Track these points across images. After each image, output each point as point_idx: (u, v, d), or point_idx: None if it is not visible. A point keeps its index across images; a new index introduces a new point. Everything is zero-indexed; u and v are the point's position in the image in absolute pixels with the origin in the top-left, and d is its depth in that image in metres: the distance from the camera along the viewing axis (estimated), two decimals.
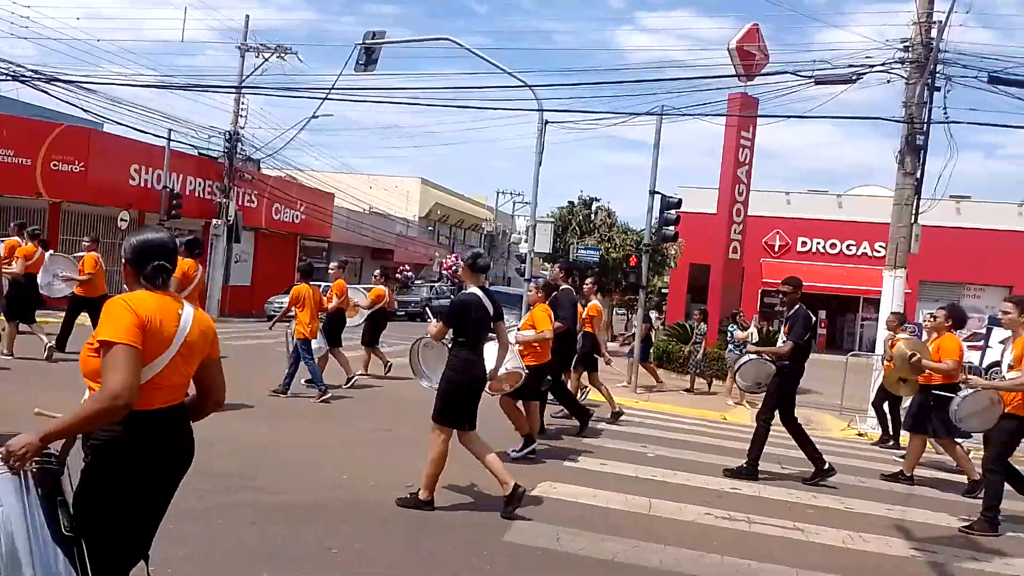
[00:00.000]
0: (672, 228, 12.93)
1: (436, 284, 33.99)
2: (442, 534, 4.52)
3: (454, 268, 40.00)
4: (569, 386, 8.63)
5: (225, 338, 15.19)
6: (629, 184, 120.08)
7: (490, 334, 5.42)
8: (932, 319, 7.45)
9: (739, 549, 4.70)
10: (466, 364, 5.00)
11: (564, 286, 7.97)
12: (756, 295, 27.62)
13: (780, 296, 7.15)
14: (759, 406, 7.24)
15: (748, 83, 15.81)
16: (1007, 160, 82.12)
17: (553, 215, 20.58)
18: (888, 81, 11.95)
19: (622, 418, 9.40)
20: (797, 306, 6.74)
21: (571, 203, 21.66)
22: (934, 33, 11.06)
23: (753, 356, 7.18)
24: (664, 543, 4.67)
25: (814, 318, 6.90)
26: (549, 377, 7.43)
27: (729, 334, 12.54)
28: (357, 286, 12.61)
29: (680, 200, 13.00)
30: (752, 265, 24.84)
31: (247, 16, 23.25)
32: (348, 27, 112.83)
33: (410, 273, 34.25)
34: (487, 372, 5.19)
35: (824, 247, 29.39)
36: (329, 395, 8.72)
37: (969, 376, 6.10)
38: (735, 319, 12.90)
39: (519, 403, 6.72)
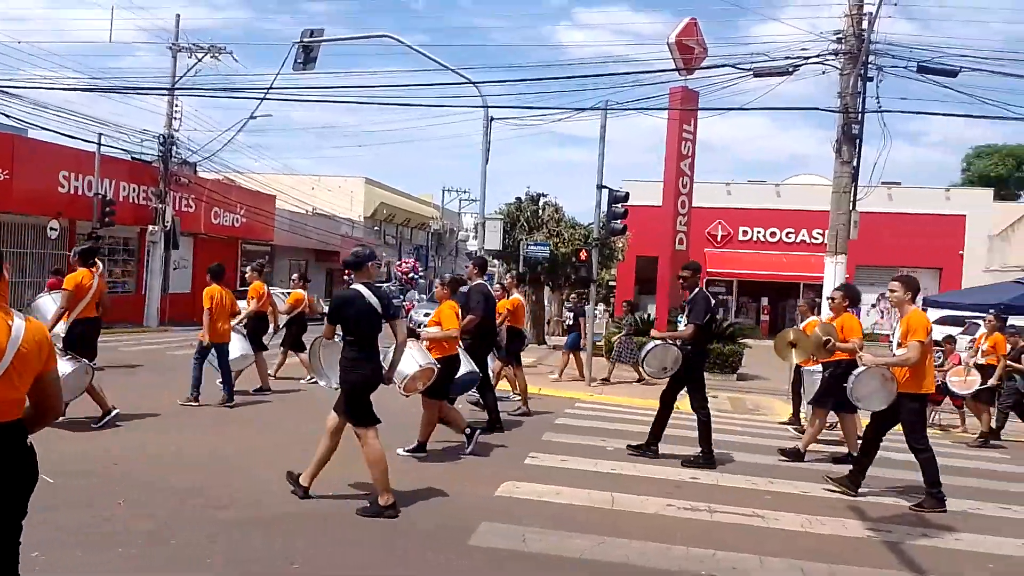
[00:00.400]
0: (620, 222, 13.03)
1: (384, 285, 33.54)
2: (406, 541, 4.42)
3: (411, 274, 39.64)
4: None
5: (165, 347, 14.83)
6: (575, 179, 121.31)
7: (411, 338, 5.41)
8: (831, 301, 7.67)
9: (703, 539, 4.74)
10: (352, 363, 4.92)
11: (478, 280, 8.06)
12: (703, 285, 28.19)
13: (680, 280, 7.25)
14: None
15: (688, 77, 16.03)
16: (931, 147, 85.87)
17: (501, 212, 20.52)
18: (823, 72, 12.28)
19: (576, 411, 9.45)
20: (696, 289, 6.93)
21: (519, 199, 21.65)
22: (865, 25, 11.41)
23: (658, 342, 7.15)
24: (629, 537, 4.67)
25: (713, 300, 7.09)
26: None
27: (677, 324, 12.68)
28: (276, 290, 12.40)
29: (627, 194, 13.11)
30: (696, 255, 25.25)
31: (177, 15, 22.61)
32: (284, 26, 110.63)
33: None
34: (382, 370, 5.09)
35: (764, 235, 30.17)
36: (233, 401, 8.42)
37: (862, 354, 6.31)
38: (682, 309, 13.06)
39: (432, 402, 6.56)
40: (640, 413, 10.41)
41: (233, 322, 8.87)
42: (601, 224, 13.24)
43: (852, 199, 11.94)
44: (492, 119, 14.19)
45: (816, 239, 27.66)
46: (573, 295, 15.41)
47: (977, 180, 39.24)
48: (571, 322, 13.72)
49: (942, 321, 15.96)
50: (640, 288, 29.11)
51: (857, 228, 12.12)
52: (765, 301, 30.57)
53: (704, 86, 15.17)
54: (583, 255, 14.18)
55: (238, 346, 8.85)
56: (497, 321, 8.67)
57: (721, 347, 14.96)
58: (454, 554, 4.26)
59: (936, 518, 5.53)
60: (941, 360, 10.02)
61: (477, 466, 6.34)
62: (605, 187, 13.05)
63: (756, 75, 12.55)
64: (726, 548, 4.57)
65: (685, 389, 7.16)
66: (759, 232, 30.14)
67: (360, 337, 4.96)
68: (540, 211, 21.25)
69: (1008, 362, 9.45)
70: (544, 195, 21.80)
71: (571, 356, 13.32)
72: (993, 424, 9.62)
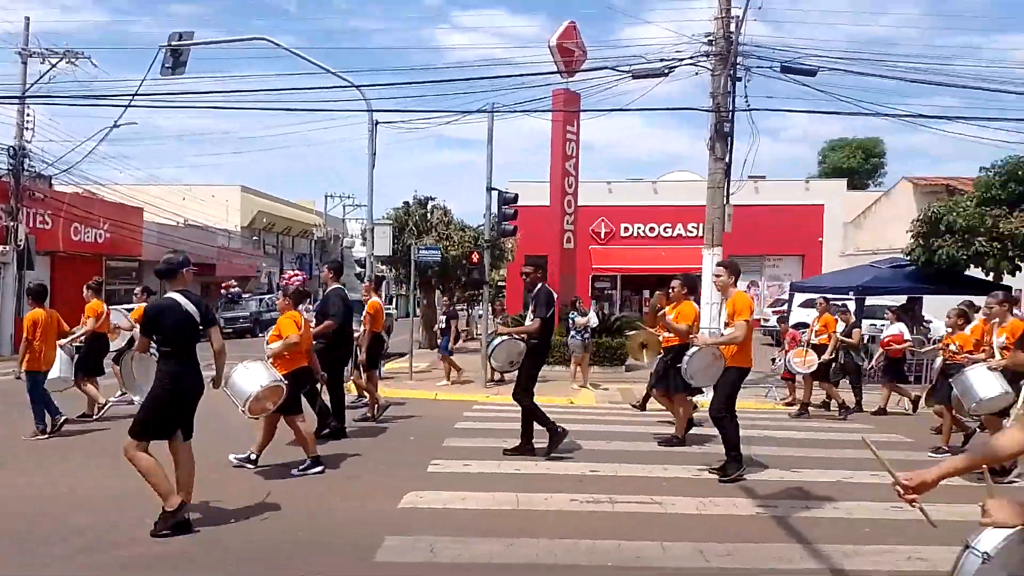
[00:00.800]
0: (510, 223, 13.14)
1: (265, 297, 32.18)
2: (307, 563, 4.24)
3: (296, 283, 38.18)
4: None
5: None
6: (462, 181, 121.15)
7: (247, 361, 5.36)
8: (672, 290, 8.03)
9: (607, 531, 4.85)
10: (171, 377, 4.74)
11: (335, 286, 8.06)
12: (588, 281, 28.93)
13: (523, 276, 7.38)
14: (599, 387, 7.57)
15: (570, 79, 16.41)
16: (791, 142, 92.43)
17: (389, 216, 20.21)
18: (696, 73, 12.90)
19: (475, 414, 9.45)
20: (539, 285, 7.07)
21: (407, 203, 21.40)
22: (733, 28, 12.08)
23: (504, 337, 7.43)
24: (537, 536, 4.70)
25: (555, 295, 7.31)
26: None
27: (571, 320, 12.98)
28: (118, 307, 11.65)
29: (516, 195, 13.25)
30: (582, 252, 25.92)
31: (27, 19, 20.90)
32: (148, 28, 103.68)
33: (236, 288, 32.16)
34: (201, 381, 4.89)
35: (644, 231, 31.37)
36: (45, 435, 7.73)
37: (694, 335, 6.82)
38: (575, 306, 13.36)
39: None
40: None
41: (63, 341, 8.26)
42: (492, 226, 13.30)
43: (726, 194, 12.62)
44: (377, 123, 13.93)
45: (692, 232, 29.06)
46: (446, 299, 15.39)
47: (832, 172, 42.47)
48: (443, 325, 13.61)
49: (807, 304, 17.13)
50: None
51: (731, 221, 12.82)
52: (647, 294, 31.80)
53: (585, 88, 15.58)
54: (475, 257, 14.19)
55: (57, 367, 8.09)
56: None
57: (609, 340, 15.40)
58: (361, 573, 4.13)
59: (816, 489, 5.93)
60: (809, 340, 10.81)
61: (379, 479, 6.20)
62: (495, 189, 13.13)
63: (635, 77, 13.00)
64: (630, 538, 4.70)
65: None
66: (639, 228, 31.29)
67: (177, 347, 4.75)
68: (429, 215, 21.09)
69: (841, 338, 10.40)
70: (432, 198, 21.67)
71: (442, 360, 13.27)
72: (835, 400, 10.52)
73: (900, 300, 14.66)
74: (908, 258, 14.22)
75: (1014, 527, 1.88)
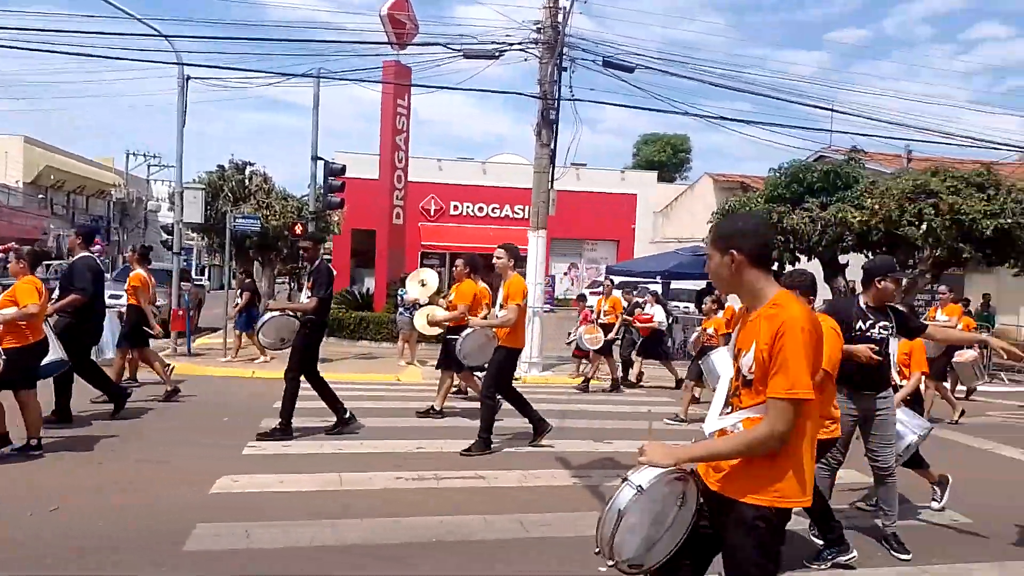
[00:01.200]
0: (337, 195, 12.70)
1: (55, 263, 28.61)
2: (107, 559, 3.87)
3: (99, 254, 34.16)
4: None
5: None
6: (285, 146, 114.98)
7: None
8: (455, 268, 8.17)
9: (432, 507, 4.90)
10: None
11: (83, 254, 7.32)
12: (417, 258, 28.81)
13: (301, 252, 7.21)
14: (426, 364, 7.59)
15: (401, 52, 16.10)
16: (608, 133, 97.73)
17: (202, 180, 18.68)
18: (525, 59, 13.18)
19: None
20: (319, 261, 6.92)
21: (222, 167, 19.83)
22: (561, 18, 12.46)
23: (275, 313, 7.03)
24: (360, 516, 4.65)
25: (334, 272, 7.14)
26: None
27: (399, 297, 12.85)
28: None
29: (344, 167, 12.82)
30: (412, 229, 25.74)
31: None
32: None
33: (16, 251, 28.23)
34: None
35: (473, 210, 31.74)
36: None
37: (470, 317, 7.12)
38: (404, 283, 13.24)
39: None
40: (363, 388, 10.39)
41: None
42: (317, 197, 12.77)
43: (550, 179, 13.07)
44: (188, 78, 12.77)
45: (519, 214, 29.86)
46: (241, 272, 14.45)
47: (645, 164, 45.55)
48: (239, 299, 12.56)
49: (620, 287, 18.31)
50: (357, 262, 28.84)
51: (555, 205, 13.32)
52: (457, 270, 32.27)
53: (417, 63, 15.36)
54: (298, 229, 13.53)
55: None
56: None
57: None
58: (168, 566, 3.84)
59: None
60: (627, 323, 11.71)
61: (188, 463, 5.77)
62: (321, 159, 12.61)
63: (466, 56, 13.02)
64: (453, 512, 4.79)
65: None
66: (468, 207, 31.60)
67: None
68: (247, 181, 19.74)
69: (624, 317, 11.44)
70: (251, 163, 20.24)
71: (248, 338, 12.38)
72: (619, 373, 11.56)
73: (700, 284, 16.13)
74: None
75: (665, 467, 2.20)
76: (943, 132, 32.07)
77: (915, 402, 5.70)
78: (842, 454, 4.58)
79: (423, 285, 9.43)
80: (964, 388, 11.27)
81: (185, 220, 13.47)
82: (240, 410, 8.06)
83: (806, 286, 4.08)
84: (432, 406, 8.07)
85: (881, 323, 4.46)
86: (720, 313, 8.78)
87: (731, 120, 27.60)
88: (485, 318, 7.03)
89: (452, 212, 31.43)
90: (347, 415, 7.06)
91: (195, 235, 19.40)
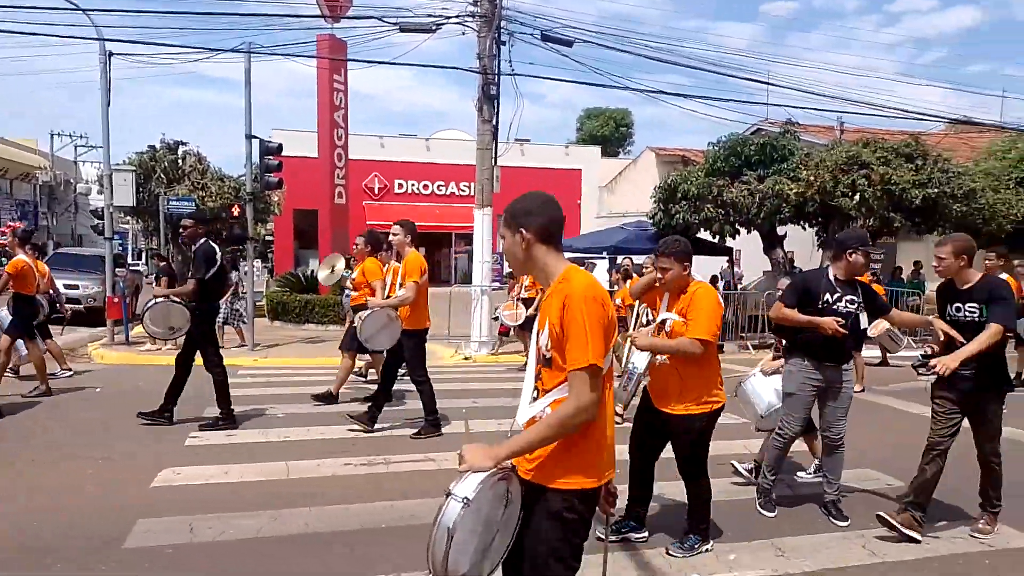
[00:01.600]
0: (275, 175, 12.36)
1: None
2: (41, 559, 3.73)
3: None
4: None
5: None
6: (217, 125, 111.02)
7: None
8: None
9: (380, 492, 4.87)
10: None
11: None
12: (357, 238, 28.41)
13: (180, 231, 6.80)
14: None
15: (335, 25, 15.67)
16: (551, 107, 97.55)
17: (132, 161, 17.97)
18: (463, 33, 12.98)
19: (239, 380, 8.87)
20: (200, 241, 6.50)
21: (153, 148, 19.18)
22: None
23: (160, 300, 6.62)
24: (308, 505, 4.59)
25: (219, 253, 6.65)
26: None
27: (348, 281, 12.63)
28: None
29: (281, 145, 12.44)
30: (356, 208, 25.35)
31: None
32: None
33: None
34: None
35: (418, 188, 31.40)
36: None
37: (370, 297, 6.87)
38: (348, 265, 13.04)
39: None
40: (309, 373, 10.24)
41: None
42: (255, 177, 12.41)
43: (494, 155, 12.99)
44: (111, 54, 12.16)
45: (464, 191, 29.68)
46: (155, 256, 13.78)
47: (588, 139, 45.70)
48: (157, 286, 11.52)
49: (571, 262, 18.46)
50: (300, 243, 28.27)
51: (500, 182, 13.26)
52: (423, 251, 32.00)
53: (353, 36, 14.95)
54: (235, 210, 13.15)
55: None
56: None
57: None
58: (108, 565, 3.73)
59: None
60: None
61: (128, 457, 5.60)
62: (256, 137, 12.22)
63: (402, 30, 12.74)
64: (403, 497, 4.76)
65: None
66: (413, 185, 31.25)
67: None
68: (180, 161, 19.14)
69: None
70: (184, 143, 19.66)
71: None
72: None
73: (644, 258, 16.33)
74: (651, 221, 15.80)
75: (487, 470, 2.04)
76: (873, 104, 33.03)
77: None
78: (800, 425, 4.63)
79: (332, 271, 9.34)
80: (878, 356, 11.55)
81: (116, 204, 12.94)
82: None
83: (680, 253, 3.96)
84: (329, 390, 7.79)
85: (848, 296, 4.43)
86: (628, 283, 8.58)
87: (669, 95, 27.81)
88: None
89: (397, 190, 31.03)
90: (169, 415, 6.59)
91: (129, 219, 18.66)
